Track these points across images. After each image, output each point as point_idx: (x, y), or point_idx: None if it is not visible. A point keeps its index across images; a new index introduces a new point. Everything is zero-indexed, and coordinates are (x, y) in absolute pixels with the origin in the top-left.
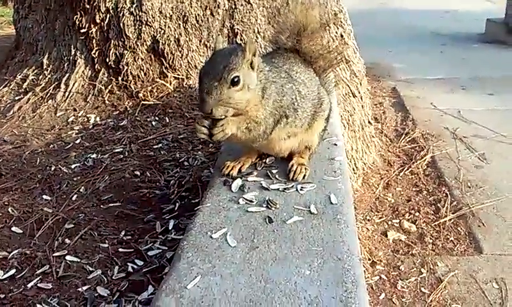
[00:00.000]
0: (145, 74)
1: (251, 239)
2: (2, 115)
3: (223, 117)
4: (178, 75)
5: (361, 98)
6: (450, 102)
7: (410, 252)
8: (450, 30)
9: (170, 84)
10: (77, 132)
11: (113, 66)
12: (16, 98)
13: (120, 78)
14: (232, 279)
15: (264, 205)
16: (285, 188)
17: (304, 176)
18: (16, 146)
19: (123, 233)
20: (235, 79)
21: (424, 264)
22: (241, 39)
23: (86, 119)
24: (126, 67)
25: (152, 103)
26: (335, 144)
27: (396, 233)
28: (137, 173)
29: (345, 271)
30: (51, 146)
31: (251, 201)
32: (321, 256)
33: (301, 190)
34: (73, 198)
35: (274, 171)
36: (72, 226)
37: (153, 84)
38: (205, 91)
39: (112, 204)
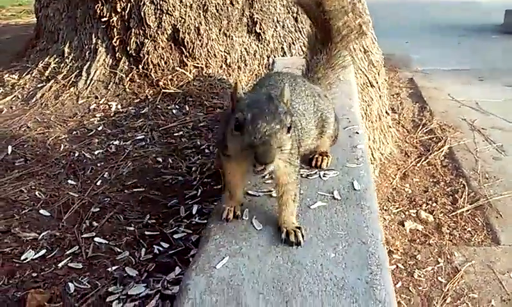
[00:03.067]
0: (165, 63)
1: (274, 223)
2: (25, 102)
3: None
4: (197, 63)
5: (379, 89)
6: (467, 93)
7: (427, 242)
8: (468, 21)
9: (190, 72)
10: (99, 119)
11: (134, 54)
12: (39, 85)
13: (140, 67)
14: (259, 260)
15: None
16: (308, 175)
17: (327, 163)
18: (39, 132)
19: (147, 217)
20: (291, 125)
21: (441, 254)
22: (260, 29)
23: (107, 107)
24: (146, 56)
25: (172, 91)
26: (357, 133)
27: (413, 223)
28: (160, 159)
29: (369, 255)
30: (74, 132)
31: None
32: (345, 240)
33: (323, 176)
34: (98, 183)
35: None
36: (98, 209)
37: (173, 73)
38: (266, 134)
39: (136, 190)
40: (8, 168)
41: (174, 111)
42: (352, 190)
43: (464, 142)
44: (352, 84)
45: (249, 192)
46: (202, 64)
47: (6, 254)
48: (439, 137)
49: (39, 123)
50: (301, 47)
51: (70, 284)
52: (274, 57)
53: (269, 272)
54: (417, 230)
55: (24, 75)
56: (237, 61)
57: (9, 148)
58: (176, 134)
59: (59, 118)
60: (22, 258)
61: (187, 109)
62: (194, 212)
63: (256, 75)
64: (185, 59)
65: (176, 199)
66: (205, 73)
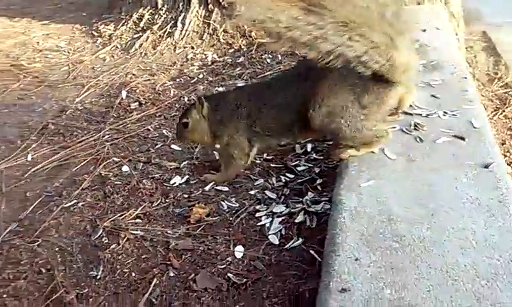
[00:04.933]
0: None
1: (407, 154)
2: (125, 51)
3: None
4: None
5: (458, 40)
6: None
7: None
8: None
9: None
10: (197, 67)
11: (226, 6)
12: (135, 36)
13: (233, 19)
14: (397, 183)
15: (412, 127)
16: (427, 114)
17: None
18: (146, 79)
19: (265, 154)
20: None
21: None
22: None
23: (204, 56)
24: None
25: (265, 41)
26: (465, 78)
27: None
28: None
29: (497, 180)
30: (177, 79)
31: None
32: (474, 168)
33: (443, 115)
34: None
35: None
36: None
37: None
38: None
39: None
40: (127, 110)
41: (268, 60)
42: (472, 128)
43: None
44: (449, 33)
45: None
46: None
47: (156, 179)
48: None
49: (143, 70)
50: None
51: (222, 202)
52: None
53: (409, 191)
54: None
55: (119, 26)
56: None
57: (123, 93)
58: None
59: (160, 66)
60: (171, 182)
61: (280, 58)
62: (309, 150)
63: None
64: None
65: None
66: None
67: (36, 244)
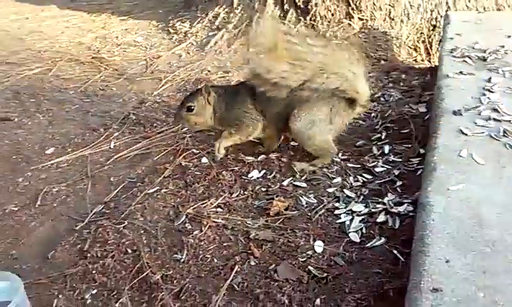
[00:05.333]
0: (332, 15)
1: (496, 160)
2: (200, 49)
3: None
4: (363, 16)
5: None
6: None
7: None
8: None
9: (356, 24)
10: None
11: (302, 6)
12: (210, 34)
13: (308, 18)
14: (488, 188)
15: (501, 133)
16: None
17: None
18: (221, 76)
19: (340, 153)
20: None
21: None
22: None
23: None
24: (315, 8)
25: (339, 42)
26: None
27: None
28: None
29: None
30: None
31: (483, 127)
32: None
33: None
34: None
35: (501, 106)
36: None
37: (339, 25)
38: None
39: None
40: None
41: None
42: None
43: None
44: None
45: (460, 130)
46: (367, 16)
47: (235, 172)
48: None
49: (218, 67)
50: (465, 1)
51: (300, 198)
52: (448, 10)
53: (500, 197)
54: None
55: (194, 23)
56: (401, 15)
57: None
58: None
59: (234, 64)
60: (249, 175)
61: None
62: (386, 151)
63: (417, 29)
64: (351, 12)
65: (362, 140)
66: (369, 25)
67: (122, 225)
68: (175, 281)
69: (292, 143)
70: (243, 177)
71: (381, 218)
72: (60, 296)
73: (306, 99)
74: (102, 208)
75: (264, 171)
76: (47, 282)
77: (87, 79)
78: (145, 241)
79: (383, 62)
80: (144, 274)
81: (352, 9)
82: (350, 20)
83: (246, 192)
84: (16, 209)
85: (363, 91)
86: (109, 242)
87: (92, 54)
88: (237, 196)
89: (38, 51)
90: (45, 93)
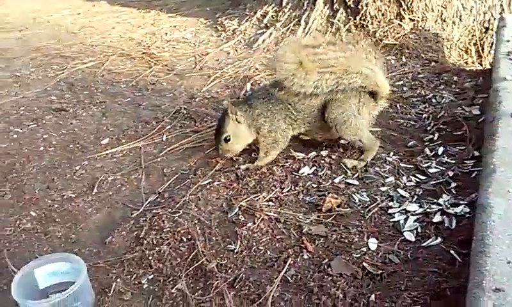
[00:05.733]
0: (383, 15)
1: None
2: (248, 47)
3: None
4: (414, 16)
5: None
6: None
7: None
8: None
9: (406, 25)
10: None
11: (352, 6)
12: (258, 32)
13: (358, 18)
14: None
15: None
16: None
17: None
18: (268, 74)
19: (391, 153)
20: None
21: None
22: None
23: None
24: (365, 8)
25: (390, 43)
26: None
27: None
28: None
29: None
30: None
31: None
32: None
33: None
34: None
35: None
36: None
37: (390, 25)
38: None
39: (372, 129)
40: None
41: (392, 61)
42: None
43: None
44: None
45: None
46: (418, 17)
47: (286, 168)
48: None
49: (265, 66)
50: None
51: (353, 195)
52: (502, 12)
53: None
54: None
55: (243, 21)
56: (453, 16)
57: (248, 85)
58: (397, 83)
59: None
60: (300, 172)
61: (404, 60)
62: (439, 153)
63: (469, 31)
64: (402, 12)
65: (413, 140)
66: (420, 26)
67: (177, 215)
68: (229, 270)
69: (341, 141)
70: (294, 173)
71: (437, 218)
72: (118, 280)
73: (337, 98)
74: (157, 198)
75: (314, 168)
76: (105, 266)
77: (138, 74)
78: (199, 230)
79: (433, 63)
80: (200, 262)
81: (404, 9)
82: (401, 21)
83: (297, 188)
84: (74, 196)
85: (382, 84)
86: (164, 230)
87: (142, 50)
88: (288, 191)
89: (90, 45)
90: (97, 86)
